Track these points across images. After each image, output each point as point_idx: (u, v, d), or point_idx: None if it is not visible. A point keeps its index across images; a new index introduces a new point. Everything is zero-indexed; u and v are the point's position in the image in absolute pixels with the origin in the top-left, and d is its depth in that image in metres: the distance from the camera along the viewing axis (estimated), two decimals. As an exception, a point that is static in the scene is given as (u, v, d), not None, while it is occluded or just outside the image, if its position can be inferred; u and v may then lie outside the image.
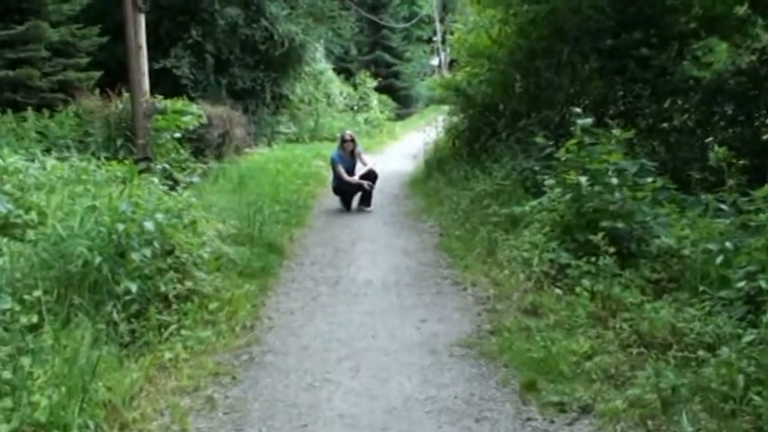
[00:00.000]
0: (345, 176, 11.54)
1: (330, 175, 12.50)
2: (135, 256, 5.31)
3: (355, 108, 31.58)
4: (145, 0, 10.73)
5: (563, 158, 7.20)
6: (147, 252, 5.42)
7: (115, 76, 12.57)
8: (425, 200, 12.12)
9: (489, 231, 8.12)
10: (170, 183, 9.31)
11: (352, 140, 11.91)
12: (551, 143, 8.32)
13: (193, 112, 11.96)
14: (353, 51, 39.64)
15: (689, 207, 6.82)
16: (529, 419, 4.17)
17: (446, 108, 17.36)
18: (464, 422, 4.16)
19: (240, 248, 7.65)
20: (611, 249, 5.91)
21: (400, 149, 22.42)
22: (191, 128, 11.78)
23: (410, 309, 6.34)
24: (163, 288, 5.52)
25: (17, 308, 4.43)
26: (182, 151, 11.34)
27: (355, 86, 33.48)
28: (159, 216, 5.84)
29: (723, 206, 6.36)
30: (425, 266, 7.85)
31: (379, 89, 34.96)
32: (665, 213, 6.66)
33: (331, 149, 13.80)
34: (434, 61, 49.40)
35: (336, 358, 5.17)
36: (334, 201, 11.99)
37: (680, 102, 10.49)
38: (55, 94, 12.60)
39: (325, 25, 24.20)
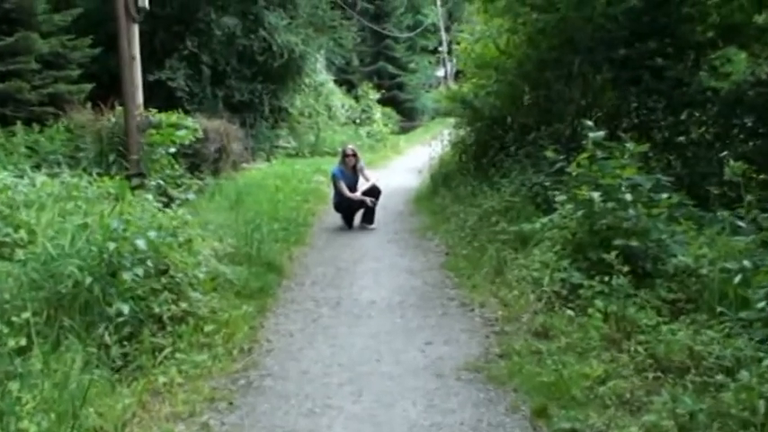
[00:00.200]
0: (347, 193, 11.56)
1: (331, 192, 12.53)
2: (127, 275, 5.32)
3: (357, 121, 31.68)
4: (139, 10, 10.80)
5: (574, 173, 7.21)
6: (140, 271, 5.44)
7: (108, 88, 12.63)
8: (431, 217, 12.13)
9: (498, 250, 8.12)
10: (164, 200, 9.33)
11: (354, 155, 11.95)
12: (562, 157, 8.34)
13: (189, 126, 12.01)
14: (355, 62, 39.81)
15: (707, 224, 6.82)
16: (540, 447, 4.17)
17: (452, 121, 17.37)
18: (472, 450, 4.16)
19: (237, 268, 7.67)
20: (626, 268, 5.91)
21: (404, 164, 22.47)
22: (186, 142, 11.82)
23: (415, 331, 6.34)
24: (156, 309, 5.52)
25: (5, 330, 4.45)
26: (177, 167, 11.37)
27: (357, 99, 33.61)
28: (152, 234, 5.86)
29: (742, 223, 6.36)
30: (431, 286, 7.85)
31: (382, 101, 35.11)
32: (682, 231, 6.65)
33: (332, 164, 13.85)
34: (440, 72, 49.53)
35: (338, 383, 5.17)
36: (336, 218, 12.01)
37: (697, 114, 10.49)
38: (45, 107, 12.64)
39: (325, 35, 24.31)
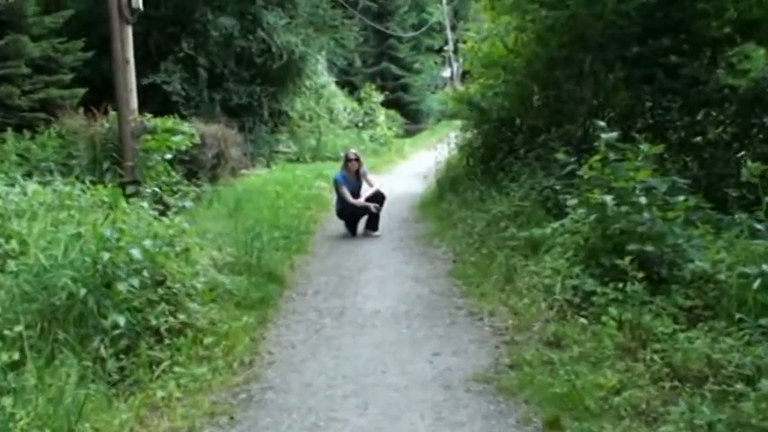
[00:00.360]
0: (350, 199, 11.60)
1: (333, 198, 12.57)
2: (122, 286, 5.35)
3: (360, 124, 31.78)
4: (132, 11, 10.85)
5: (586, 176, 7.22)
6: (136, 282, 5.47)
7: (101, 93, 12.69)
8: (437, 223, 12.16)
9: (507, 256, 8.14)
10: (160, 208, 9.38)
11: (357, 159, 11.99)
12: (573, 160, 8.36)
13: (185, 132, 12.06)
14: (358, 63, 39.94)
15: (725, 228, 6.82)
16: (552, 460, 4.18)
17: (459, 123, 17.40)
18: (482, 464, 4.17)
19: (237, 278, 7.70)
20: (640, 275, 5.92)
21: (409, 169, 22.51)
22: (182, 148, 11.87)
23: (422, 341, 6.35)
24: (153, 321, 5.55)
25: (-3, 344, 4.47)
26: (173, 174, 11.41)
27: (360, 101, 33.71)
28: (148, 243, 5.89)
29: (761, 226, 6.36)
30: (438, 295, 7.87)
31: (385, 103, 35.19)
32: (699, 235, 6.64)
33: (334, 170, 13.90)
34: (446, 73, 49.64)
35: (342, 395, 5.18)
36: (339, 225, 12.04)
37: (714, 113, 10.48)
38: (36, 113, 12.72)
39: (326, 35, 24.39)
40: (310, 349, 6.21)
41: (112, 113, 11.11)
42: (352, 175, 11.92)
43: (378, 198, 11.70)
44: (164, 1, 18.41)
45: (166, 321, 5.65)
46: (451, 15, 47.54)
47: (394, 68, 43.06)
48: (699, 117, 10.45)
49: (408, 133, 39.01)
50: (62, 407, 4.10)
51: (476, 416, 4.77)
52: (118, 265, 5.53)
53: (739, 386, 4.38)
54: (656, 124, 10.57)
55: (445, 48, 47.38)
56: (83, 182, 9.14)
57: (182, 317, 5.83)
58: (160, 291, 5.84)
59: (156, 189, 10.54)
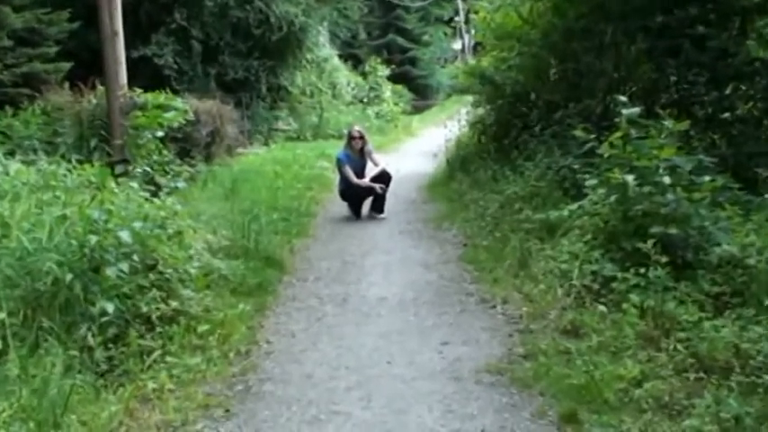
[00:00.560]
0: (354, 179, 11.59)
1: (336, 178, 12.56)
2: (110, 271, 5.35)
3: (365, 100, 31.71)
4: (121, -22, 10.83)
5: (606, 155, 7.20)
6: (125, 267, 5.47)
7: (88, 67, 12.66)
8: (447, 205, 12.15)
9: (521, 240, 8.13)
10: (152, 188, 9.37)
11: (362, 137, 11.97)
12: (593, 137, 8.30)
13: (178, 108, 12.00)
14: (362, 35, 39.87)
15: (754, 209, 6.81)
16: (569, 456, 4.18)
17: (470, 99, 17.35)
18: (494, 459, 4.17)
19: (233, 262, 7.70)
20: (664, 259, 5.91)
21: (418, 147, 22.48)
22: (175, 125, 11.82)
23: (430, 330, 6.36)
24: (144, 308, 5.55)
25: (-22, 332, 4.48)
26: (165, 152, 11.39)
27: (365, 75, 33.64)
28: (138, 226, 5.90)
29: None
30: (448, 281, 7.87)
31: (392, 78, 35.12)
32: (727, 217, 6.64)
33: (337, 148, 13.88)
34: (456, 45, 49.44)
35: (345, 387, 5.19)
36: (342, 207, 12.05)
37: (743, 87, 10.41)
38: (19, 88, 12.69)
39: (328, 5, 24.34)
40: (311, 338, 6.22)
41: (100, 88, 11.09)
42: (356, 154, 11.90)
43: (383, 178, 11.69)
44: (155, -32, 18.38)
45: (158, 308, 5.65)
46: (463, -17, 47.38)
47: (401, 40, 42.98)
48: (727, 91, 10.38)
49: (416, 109, 38.92)
50: (47, 398, 4.11)
51: (487, 409, 4.77)
52: (106, 248, 5.54)
53: (769, 377, 4.38)
54: (682, 99, 10.51)
55: (456, 18, 47.19)
56: (69, 161, 9.14)
57: (174, 304, 5.83)
58: (151, 276, 5.85)
59: (147, 169, 10.52)
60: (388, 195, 11.80)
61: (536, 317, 6.32)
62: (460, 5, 45.36)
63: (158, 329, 5.58)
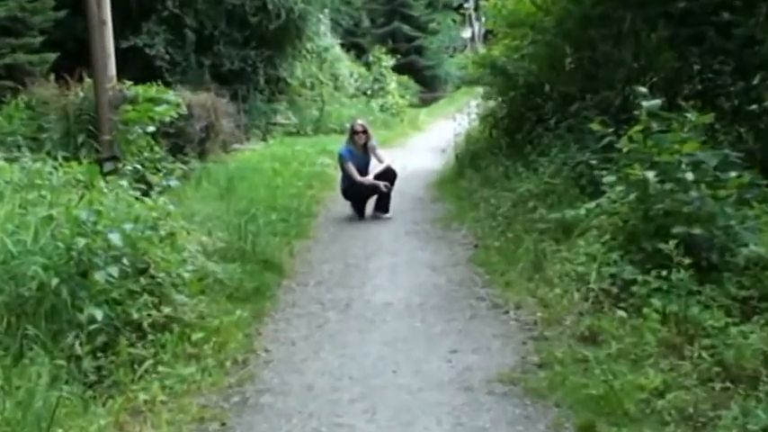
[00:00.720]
0: (357, 176, 11.59)
1: (338, 176, 12.56)
2: (99, 276, 5.35)
3: (369, 92, 31.74)
4: (110, -36, 10.84)
5: (625, 149, 7.18)
6: (115, 271, 5.47)
7: (74, 58, 12.69)
8: (456, 203, 12.15)
9: (536, 241, 8.12)
10: (142, 187, 9.38)
11: (365, 132, 11.97)
12: (611, 131, 8.28)
13: (170, 101, 12.04)
14: (366, 23, 39.88)
15: (784, 208, 6.79)
16: (587, 471, 4.17)
17: (481, 90, 17.35)
18: (506, 475, 4.17)
19: (229, 266, 7.71)
20: (687, 261, 5.88)
21: (425, 142, 22.50)
22: (167, 120, 11.86)
23: (438, 337, 6.35)
24: (135, 315, 5.55)
25: (-41, 341, 4.49)
26: (156, 149, 11.43)
27: (368, 66, 33.66)
28: (129, 227, 5.90)
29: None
30: (457, 285, 7.87)
31: (397, 68, 35.13)
32: (755, 216, 6.62)
33: (339, 144, 13.88)
34: (466, 33, 49.41)
35: (348, 398, 5.18)
36: (344, 206, 12.06)
37: (772, 77, 10.41)
38: (1, 81, 12.73)
39: (330, -9, 24.35)
40: (312, 347, 6.21)
41: (88, 81, 11.11)
42: (360, 150, 11.91)
43: (388, 175, 11.69)
44: (145, -47, 18.41)
45: (149, 315, 5.65)
46: (472, -33, 47.35)
47: (407, 28, 42.95)
48: (754, 82, 10.33)
49: (423, 102, 38.98)
50: (32, 411, 4.11)
51: (500, 421, 4.76)
52: (94, 251, 5.54)
53: (800, 387, 4.37)
54: (706, 90, 10.47)
55: (465, 5, 47.21)
56: (54, 158, 9.16)
57: (167, 310, 5.84)
58: (142, 281, 5.85)
59: (138, 166, 10.54)
60: (394, 194, 11.81)
61: (551, 323, 6.31)
62: (470, -9, 45.40)
63: (150, 337, 5.57)
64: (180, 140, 13.66)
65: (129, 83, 11.53)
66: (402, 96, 33.80)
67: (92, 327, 5.12)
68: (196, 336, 5.83)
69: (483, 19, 32.78)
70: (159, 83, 12.53)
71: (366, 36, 40.30)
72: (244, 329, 6.37)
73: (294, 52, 23.87)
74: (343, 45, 32.84)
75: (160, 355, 5.45)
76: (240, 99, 20.66)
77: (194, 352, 5.69)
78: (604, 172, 7.70)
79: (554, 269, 7.27)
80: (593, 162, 8.94)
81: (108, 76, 10.71)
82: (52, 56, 13.87)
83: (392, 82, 33.75)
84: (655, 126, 7.05)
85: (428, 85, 43.24)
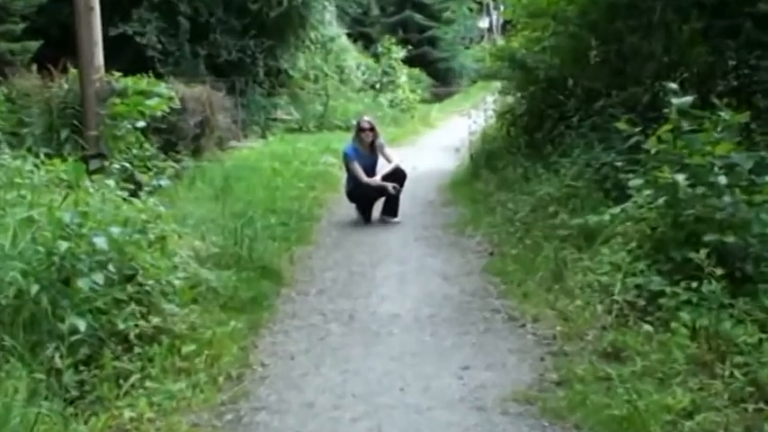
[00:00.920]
0: (363, 177, 11.60)
1: (343, 176, 12.57)
2: (83, 283, 5.36)
3: (377, 86, 31.74)
4: (97, -54, 10.85)
5: (654, 150, 7.18)
6: (100, 278, 5.48)
7: (59, 46, 12.74)
8: (471, 207, 12.15)
9: (556, 249, 8.13)
10: (131, 187, 9.40)
11: (372, 129, 11.98)
12: (638, 130, 8.28)
13: (162, 94, 12.06)
14: (375, 11, 39.90)
15: (824, 214, 6.77)
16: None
17: (498, 85, 17.37)
18: (521, 502, 4.17)
19: (224, 273, 7.72)
20: (719, 271, 5.87)
21: (437, 140, 22.53)
22: (159, 115, 11.88)
23: (450, 352, 6.35)
24: (121, 325, 5.56)
25: (-69, 352, 4.50)
26: (147, 145, 11.43)
27: (377, 57, 33.67)
28: (115, 231, 5.91)
29: None
30: (470, 296, 7.87)
31: (408, 61, 35.09)
32: (793, 223, 6.61)
33: (344, 142, 13.90)
34: (483, 23, 49.45)
35: (351, 418, 5.18)
36: (349, 209, 12.07)
37: (813, 73, 10.40)
38: (-20, 71, 12.76)
39: (336, -24, 24.39)
40: (313, 361, 6.21)
41: (73, 72, 11.14)
42: (366, 149, 11.92)
43: (397, 176, 11.70)
44: (137, -66, 18.46)
45: (137, 326, 5.66)
46: (490, -48, 47.37)
47: (419, 17, 42.97)
48: (795, 78, 10.37)
49: (436, 97, 38.99)
50: (8, 429, 4.12)
51: (514, 443, 4.77)
52: (78, 256, 5.55)
53: (840, 409, 4.36)
54: (741, 87, 10.46)
55: (482, -8, 47.21)
56: (36, 155, 9.18)
57: (155, 320, 5.84)
58: (129, 288, 5.86)
59: (126, 164, 10.55)
60: (403, 196, 11.82)
61: (572, 337, 6.31)
62: (488, -23, 45.43)
63: (137, 350, 5.58)
64: (172, 137, 13.68)
65: (117, 74, 11.54)
66: (413, 91, 33.81)
67: (74, 338, 5.12)
68: (187, 348, 5.83)
69: (501, 8, 32.82)
70: (150, 74, 12.57)
71: (375, 25, 40.37)
72: (239, 342, 6.37)
73: (297, 42, 23.89)
74: (349, 35, 32.90)
75: (148, 368, 5.46)
76: (238, 92, 20.68)
77: (185, 366, 5.69)
78: (631, 175, 7.71)
79: (575, 279, 7.28)
80: (619, 164, 8.95)
81: (95, 67, 10.73)
82: (35, 44, 13.91)
83: (402, 75, 33.75)
84: (686, 125, 7.04)
85: (441, 79, 43.26)
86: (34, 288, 5.15)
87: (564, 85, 12.55)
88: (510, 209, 10.49)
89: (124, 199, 7.27)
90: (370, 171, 11.73)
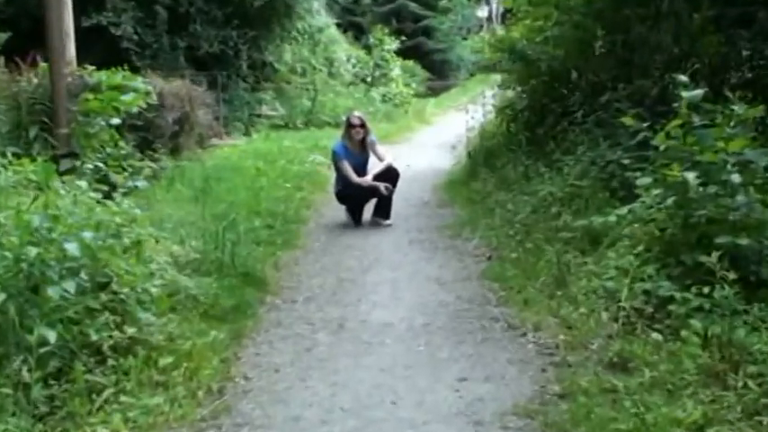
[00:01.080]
0: (354, 177, 11.60)
1: (332, 176, 12.57)
2: (53, 291, 5.34)
3: (369, 80, 31.77)
4: (68, -70, 10.85)
5: (663, 147, 7.19)
6: (71, 286, 5.46)
7: (28, 38, 12.73)
8: (468, 208, 12.18)
9: (558, 252, 8.14)
10: (105, 188, 9.35)
11: (363, 126, 11.97)
12: (646, 125, 8.31)
13: (139, 89, 12.04)
14: (366, 0, 39.81)
15: None
16: None
17: (498, 78, 17.40)
18: None
19: (204, 280, 7.72)
20: (733, 276, 5.86)
21: (433, 137, 22.55)
22: (135, 111, 11.86)
23: (445, 363, 6.35)
24: (94, 336, 5.54)
25: None
26: (121, 144, 11.42)
27: (369, 49, 33.70)
28: (88, 235, 5.89)
29: None
30: (467, 303, 7.88)
31: (402, 52, 35.13)
32: (811, 224, 6.62)
33: (333, 139, 13.89)
34: (482, 12, 49.49)
35: (340, 433, 5.20)
36: (339, 211, 12.08)
37: (832, 64, 10.43)
38: (-57, 65, 12.74)
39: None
40: (299, 373, 6.21)
41: (43, 65, 11.13)
42: (357, 146, 11.92)
43: (390, 176, 11.70)
44: None
45: (110, 337, 5.64)
46: (489, -63, 47.45)
47: (413, 6, 43.03)
48: (813, 70, 10.40)
49: (432, 91, 39.02)
50: (-27, 447, 4.13)
51: (514, 460, 4.77)
52: (48, 263, 5.53)
53: None
54: (756, 79, 10.50)
55: (481, -21, 47.27)
56: (3, 154, 9.15)
57: (131, 331, 5.82)
58: (103, 297, 5.84)
59: (100, 164, 10.53)
60: (396, 197, 11.83)
61: (575, 347, 6.31)
62: (486, -37, 45.49)
63: (111, 362, 5.56)
64: (149, 135, 13.67)
65: (90, 68, 11.55)
66: (407, 85, 33.85)
67: (43, 350, 5.11)
68: (164, 360, 5.81)
69: (501, -4, 32.90)
70: (126, 68, 12.55)
71: (366, 15, 40.40)
72: (220, 353, 6.35)
73: (282, 33, 23.89)
74: (339, 25, 32.92)
75: (122, 382, 5.44)
76: (219, 87, 20.66)
77: (162, 379, 5.67)
78: (638, 173, 7.73)
79: (579, 285, 7.29)
80: (626, 161, 8.98)
81: (66, 60, 10.73)
82: (2, 36, 13.89)
83: (396, 68, 33.79)
84: (697, 120, 7.04)
85: (437, 72, 43.30)
86: (0, 297, 5.13)
87: (567, 78, 12.60)
88: (510, 210, 10.51)
89: (97, 201, 7.23)
90: (361, 170, 11.73)
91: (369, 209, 11.82)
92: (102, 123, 11.05)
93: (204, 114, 17.20)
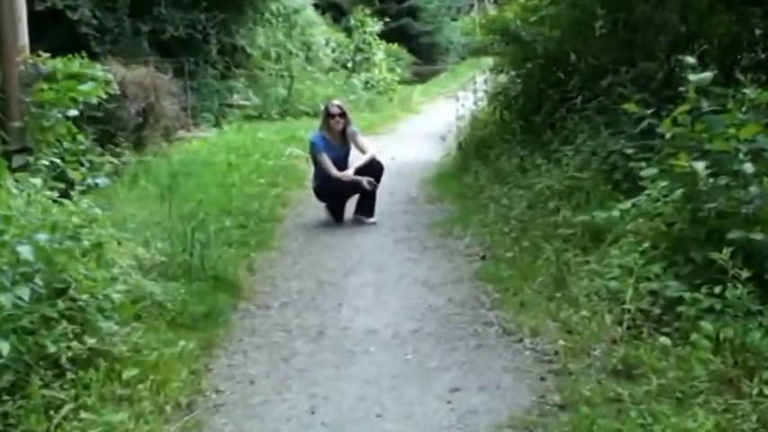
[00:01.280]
0: (334, 171, 11.59)
1: (311, 170, 12.56)
2: (5, 299, 5.32)
3: (350, 65, 31.75)
4: None
5: (669, 135, 7.20)
6: (25, 293, 5.44)
7: (-25, 23, 12.67)
8: (459, 204, 12.20)
9: (557, 251, 8.16)
10: (62, 186, 9.35)
11: (343, 115, 11.95)
12: (651, 112, 8.33)
13: (98, 78, 12.03)
14: (346, -22, 39.80)
15: None
16: None
17: (490, 62, 17.42)
18: None
19: (172, 285, 7.70)
20: (746, 274, 5.87)
21: (420, 127, 22.57)
22: (94, 101, 11.84)
23: (436, 372, 6.35)
24: (51, 348, 5.52)
25: None
26: (80, 138, 11.40)
27: (349, 32, 33.69)
28: (43, 237, 5.87)
29: None
30: (459, 307, 7.88)
31: (386, 35, 35.13)
32: (829, 218, 6.64)
33: (311, 130, 13.87)
34: (472, -10, 49.48)
35: (321, 450, 5.20)
36: (318, 209, 12.09)
37: None
38: None
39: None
40: (275, 385, 6.20)
41: (-8, 53, 11.09)
42: (337, 138, 11.91)
43: (373, 169, 11.71)
44: None
45: (69, 348, 5.63)
46: None
47: (398, -15, 43.04)
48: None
49: (419, 77, 39.08)
50: None
51: (511, 477, 4.78)
52: (0, 268, 5.52)
53: None
54: (769, 60, 10.55)
55: (471, -45, 47.31)
56: (-51, 151, 9.15)
57: (91, 341, 5.80)
58: (60, 304, 5.81)
59: (56, 160, 10.52)
60: (380, 192, 11.83)
61: (576, 353, 6.31)
62: (477, -63, 45.51)
63: (70, 375, 5.54)
64: (110, 127, 13.66)
65: (45, 55, 11.51)
66: (391, 70, 33.88)
67: (-4, 363, 5.12)
68: (128, 373, 5.80)
69: (493, -27, 32.92)
70: (84, 55, 12.52)
71: (346, -5, 40.39)
72: (189, 365, 6.34)
73: (255, 15, 23.89)
74: (317, 6, 32.91)
75: (83, 397, 5.42)
76: (187, 75, 20.63)
77: (126, 393, 5.65)
78: (643, 163, 7.72)
79: (580, 286, 7.30)
80: (630, 151, 8.97)
81: (18, 47, 10.69)
82: (-52, 21, 13.87)
83: (379, 52, 33.81)
84: (705, 105, 7.06)
85: (424, 56, 43.36)
86: (-53, 305, 5.13)
87: (565, 61, 12.62)
88: (504, 205, 10.53)
89: (53, 200, 7.23)
90: (342, 164, 11.72)
91: (351, 206, 11.83)
92: (59, 116, 11.03)
93: (170, 105, 17.19)
